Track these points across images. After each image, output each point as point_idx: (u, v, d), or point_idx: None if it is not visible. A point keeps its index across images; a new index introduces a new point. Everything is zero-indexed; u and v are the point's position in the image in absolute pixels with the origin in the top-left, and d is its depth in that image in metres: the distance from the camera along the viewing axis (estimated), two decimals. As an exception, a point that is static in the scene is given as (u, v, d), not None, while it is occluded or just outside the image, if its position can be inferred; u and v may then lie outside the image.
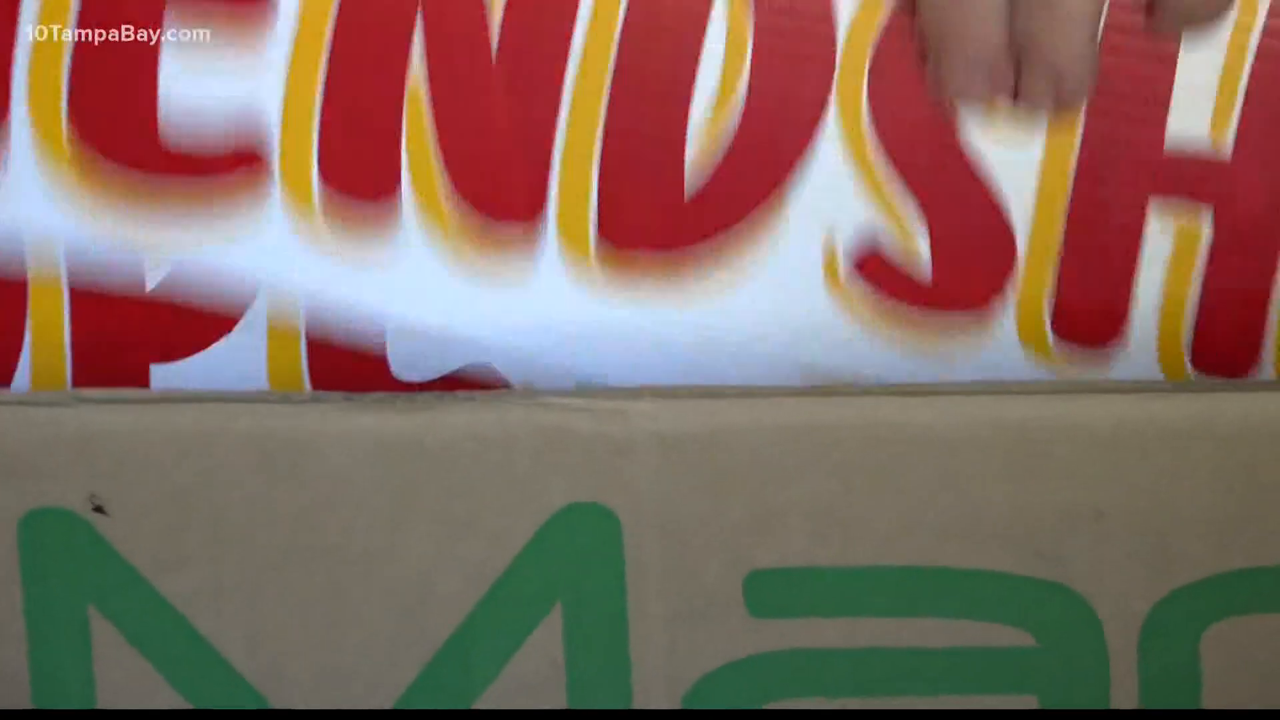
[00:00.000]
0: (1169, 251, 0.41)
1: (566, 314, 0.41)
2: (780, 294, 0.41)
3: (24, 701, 0.40)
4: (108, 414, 0.39)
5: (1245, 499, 0.39)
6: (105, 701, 0.40)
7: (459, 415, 0.39)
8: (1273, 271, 0.42)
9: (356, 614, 0.39)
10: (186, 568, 0.39)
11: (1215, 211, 0.41)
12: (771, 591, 0.39)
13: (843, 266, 0.41)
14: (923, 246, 0.41)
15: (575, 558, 0.39)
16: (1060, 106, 0.39)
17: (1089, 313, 0.42)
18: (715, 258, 0.41)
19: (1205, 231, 0.41)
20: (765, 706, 0.40)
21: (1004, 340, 0.42)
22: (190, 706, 0.40)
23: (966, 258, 0.41)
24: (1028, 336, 0.42)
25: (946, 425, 0.39)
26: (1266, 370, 0.42)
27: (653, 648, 0.39)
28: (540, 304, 0.41)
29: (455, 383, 0.41)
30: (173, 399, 0.39)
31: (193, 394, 0.39)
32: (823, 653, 0.39)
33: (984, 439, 0.39)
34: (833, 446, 0.39)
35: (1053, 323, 0.41)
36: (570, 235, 0.41)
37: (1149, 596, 0.39)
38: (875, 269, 0.41)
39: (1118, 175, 0.41)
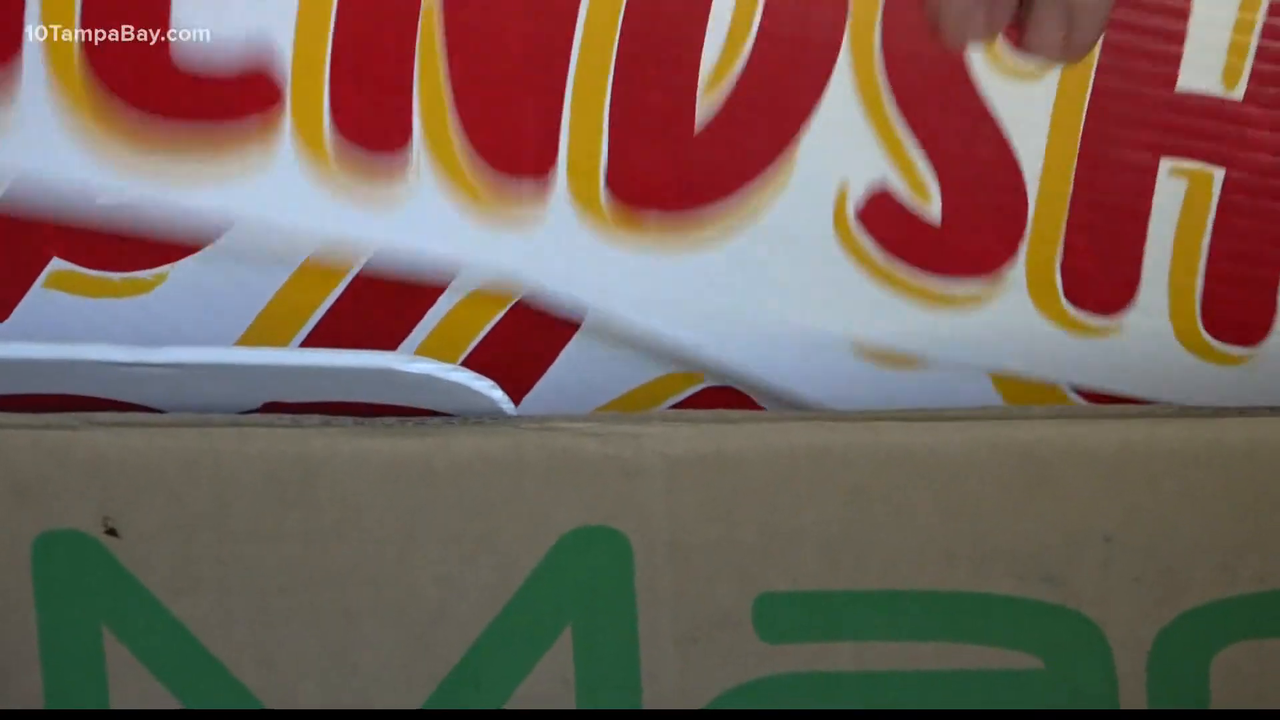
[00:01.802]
0: (1180, 206, 0.41)
1: (577, 256, 0.41)
2: (789, 242, 0.41)
3: (38, 722, 0.40)
4: (119, 437, 0.39)
5: (1252, 523, 0.39)
6: (119, 721, 0.40)
7: (469, 439, 0.39)
8: None
9: (367, 636, 0.39)
10: (198, 589, 0.39)
11: (1227, 164, 0.41)
12: (781, 614, 0.39)
13: (852, 216, 0.41)
14: (934, 200, 0.41)
15: (586, 580, 0.39)
16: (1069, 52, 0.37)
17: (1100, 272, 0.41)
18: (724, 205, 0.41)
19: (1216, 186, 0.41)
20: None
21: (1015, 300, 0.41)
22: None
23: (977, 215, 0.41)
24: (1039, 298, 0.41)
25: (954, 449, 0.39)
26: None
27: (663, 670, 0.40)
28: (551, 249, 0.41)
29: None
30: (184, 423, 0.39)
31: (204, 418, 0.39)
32: (831, 675, 0.39)
33: (992, 463, 0.39)
34: (842, 471, 0.39)
35: (1063, 285, 0.41)
36: (580, 190, 0.41)
37: (1157, 620, 0.39)
38: (885, 220, 0.41)
39: (1128, 128, 0.41)
